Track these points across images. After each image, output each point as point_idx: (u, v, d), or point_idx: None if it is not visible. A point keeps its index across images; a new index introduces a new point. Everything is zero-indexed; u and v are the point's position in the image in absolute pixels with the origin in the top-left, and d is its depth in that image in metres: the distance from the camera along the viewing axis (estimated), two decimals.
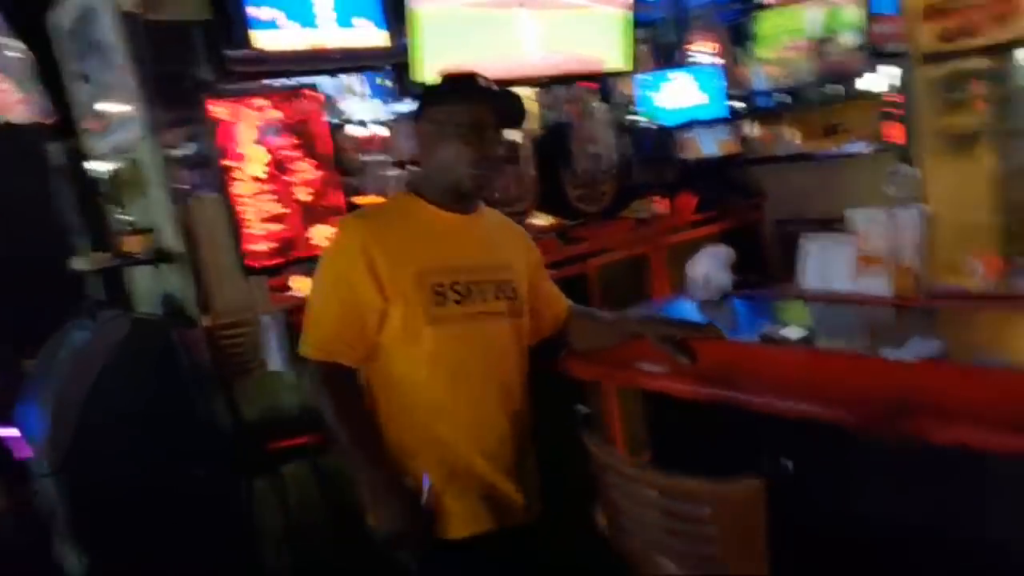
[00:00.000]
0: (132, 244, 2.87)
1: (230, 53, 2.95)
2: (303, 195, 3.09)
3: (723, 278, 2.35)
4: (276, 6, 3.04)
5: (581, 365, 1.84)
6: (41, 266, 3.02)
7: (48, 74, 3.41)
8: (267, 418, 2.74)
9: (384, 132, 3.55)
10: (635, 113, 4.65)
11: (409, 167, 3.49)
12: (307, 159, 3.09)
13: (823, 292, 2.25)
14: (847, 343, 2.03)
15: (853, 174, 3.95)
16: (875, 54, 4.01)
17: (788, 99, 4.42)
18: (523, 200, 3.92)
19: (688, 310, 2.27)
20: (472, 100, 1.54)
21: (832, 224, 2.37)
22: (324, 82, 3.37)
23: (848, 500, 1.61)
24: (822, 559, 1.52)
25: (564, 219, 4.00)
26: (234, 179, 2.89)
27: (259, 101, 2.97)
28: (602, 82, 4.49)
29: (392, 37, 3.40)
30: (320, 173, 3.14)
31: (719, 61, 4.65)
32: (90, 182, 3.29)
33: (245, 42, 2.96)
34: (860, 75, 4.14)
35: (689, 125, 4.65)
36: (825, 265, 2.27)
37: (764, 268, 4.04)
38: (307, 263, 3.00)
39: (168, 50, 2.82)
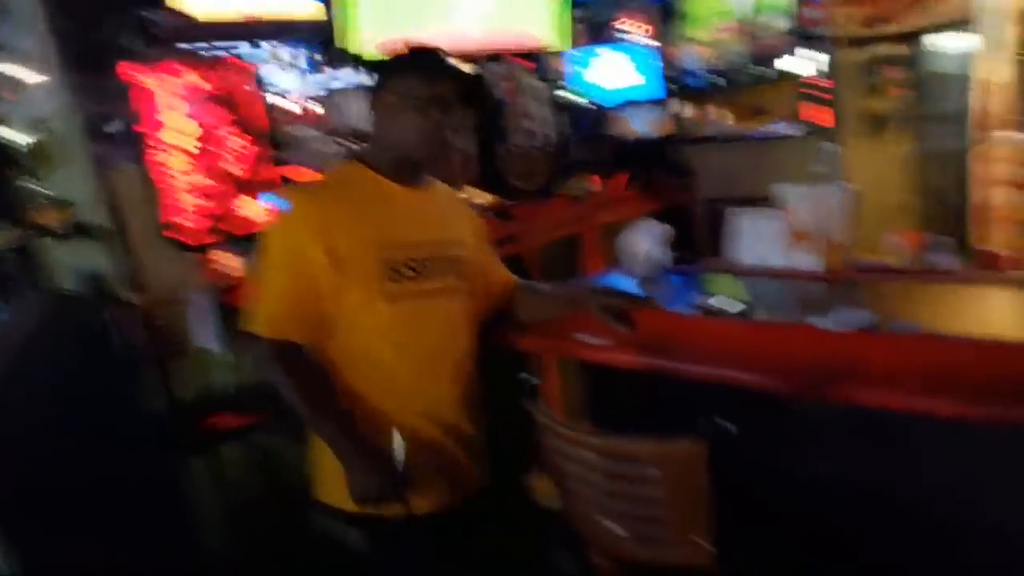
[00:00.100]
0: (49, 218, 2.75)
1: (155, 19, 2.84)
2: (236, 170, 3.00)
3: (661, 254, 2.41)
4: None
5: (523, 337, 1.87)
6: None
7: None
8: (202, 397, 2.68)
9: (316, 107, 3.49)
10: (564, 89, 4.69)
11: (340, 140, 3.44)
12: (240, 134, 3.01)
13: (755, 266, 2.34)
14: (779, 314, 2.12)
15: (781, 154, 4.07)
16: (804, 37, 4.13)
17: (720, 80, 4.51)
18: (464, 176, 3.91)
19: (625, 284, 2.32)
20: (436, 75, 1.52)
21: (758, 202, 2.45)
22: (255, 54, 3.28)
23: (784, 463, 1.69)
24: (760, 520, 1.60)
25: (502, 198, 4.01)
26: (158, 150, 2.79)
27: (182, 68, 2.87)
28: (538, 60, 4.51)
29: (327, 10, 3.32)
30: (254, 148, 3.06)
31: (651, 42, 4.71)
32: (3, 153, 3.12)
33: (171, 7, 2.85)
34: (785, 57, 4.27)
35: (624, 105, 4.72)
36: (756, 240, 2.36)
37: (695, 245, 4.14)
38: (242, 241, 2.94)
39: (89, 16, 2.69)
